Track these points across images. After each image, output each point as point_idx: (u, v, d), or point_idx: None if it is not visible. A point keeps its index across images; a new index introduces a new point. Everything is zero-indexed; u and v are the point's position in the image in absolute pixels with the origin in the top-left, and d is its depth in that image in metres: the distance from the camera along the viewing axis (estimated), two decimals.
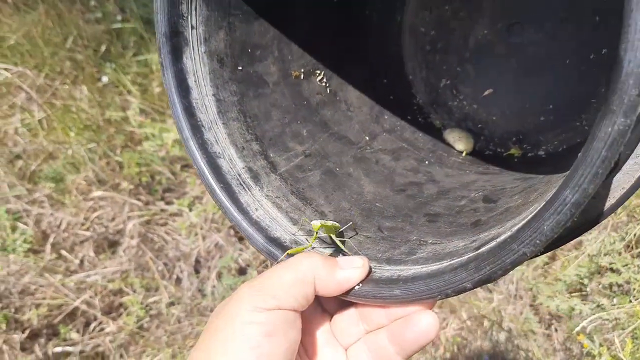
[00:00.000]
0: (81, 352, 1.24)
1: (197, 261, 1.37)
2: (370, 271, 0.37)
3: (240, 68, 0.48)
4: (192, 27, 0.45)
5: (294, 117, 0.52)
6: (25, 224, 1.28)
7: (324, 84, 0.57)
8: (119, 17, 1.73)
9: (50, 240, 1.28)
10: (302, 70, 0.54)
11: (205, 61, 0.46)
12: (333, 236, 0.41)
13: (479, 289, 1.31)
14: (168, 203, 1.44)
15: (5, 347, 1.21)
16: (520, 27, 0.58)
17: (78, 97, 1.54)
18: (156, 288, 1.29)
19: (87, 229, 1.32)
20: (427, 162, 0.57)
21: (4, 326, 1.20)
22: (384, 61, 0.65)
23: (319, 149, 0.52)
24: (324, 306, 0.41)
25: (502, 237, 0.31)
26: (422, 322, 0.34)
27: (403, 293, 0.35)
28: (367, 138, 0.57)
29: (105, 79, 1.61)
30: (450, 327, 1.23)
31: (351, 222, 0.43)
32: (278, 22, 0.51)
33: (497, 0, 0.59)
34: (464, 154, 0.60)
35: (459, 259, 0.33)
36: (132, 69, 1.61)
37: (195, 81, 0.45)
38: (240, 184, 0.45)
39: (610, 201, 0.34)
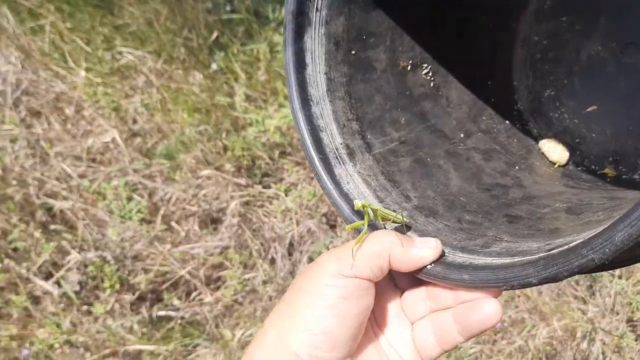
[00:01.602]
0: (181, 317, 1.34)
1: (291, 244, 1.44)
2: (442, 254, 0.40)
3: (353, 52, 0.52)
4: (317, 10, 0.49)
5: (395, 104, 0.55)
6: (141, 195, 1.40)
7: (428, 77, 0.59)
8: (228, 8, 1.82)
9: (161, 212, 1.39)
10: (410, 62, 0.57)
11: (323, 42, 0.49)
12: (379, 219, 0.44)
13: (572, 298, 1.27)
14: (266, 187, 1.52)
15: (117, 306, 1.33)
16: (634, 48, 0.57)
17: (191, 81, 1.65)
18: (252, 265, 1.37)
19: (194, 205, 1.42)
20: (517, 167, 0.58)
21: (117, 286, 1.32)
22: (491, 64, 0.66)
23: (414, 138, 0.54)
24: (397, 282, 0.45)
25: (575, 243, 0.32)
26: (487, 307, 0.37)
27: (471, 278, 0.37)
28: (462, 135, 0.59)
29: (215, 65, 1.71)
30: (539, 335, 1.21)
31: (401, 210, 0.46)
32: (395, 14, 0.54)
33: (615, 18, 0.58)
34: (556, 166, 0.60)
35: (530, 257, 0.35)
36: (240, 57, 1.70)
37: (311, 59, 0.49)
38: (337, 157, 0.48)
39: None
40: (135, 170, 1.43)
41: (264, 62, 1.67)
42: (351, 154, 0.49)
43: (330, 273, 0.39)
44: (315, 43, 0.49)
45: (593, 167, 0.60)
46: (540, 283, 0.33)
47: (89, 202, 1.38)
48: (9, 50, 1.53)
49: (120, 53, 1.66)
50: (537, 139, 0.64)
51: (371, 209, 0.43)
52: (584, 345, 1.18)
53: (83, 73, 1.53)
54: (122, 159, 1.45)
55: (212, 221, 1.44)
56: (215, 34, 1.74)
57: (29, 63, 1.55)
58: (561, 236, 0.38)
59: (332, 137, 0.49)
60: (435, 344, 0.41)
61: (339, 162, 0.48)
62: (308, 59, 0.49)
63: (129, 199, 1.40)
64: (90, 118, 1.52)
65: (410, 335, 0.42)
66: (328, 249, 1.43)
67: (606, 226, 0.30)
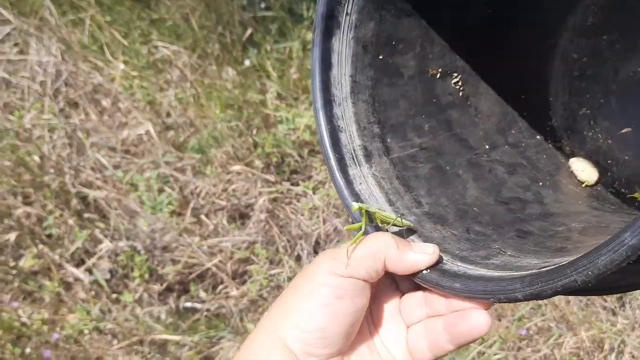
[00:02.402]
0: (207, 310, 1.36)
1: (317, 242, 1.45)
2: (440, 261, 0.41)
3: (380, 57, 0.52)
4: (347, 14, 0.49)
5: (419, 110, 0.55)
6: (172, 188, 1.43)
7: (458, 87, 0.58)
8: (263, 5, 1.83)
9: (191, 205, 1.41)
10: (440, 70, 0.56)
11: (351, 45, 0.50)
12: (378, 222, 0.45)
13: (601, 309, 1.25)
14: (294, 184, 1.53)
15: (145, 296, 1.36)
16: None
17: (224, 77, 1.67)
18: (278, 261, 1.38)
19: (223, 199, 1.44)
20: (540, 184, 0.57)
21: (146, 276, 1.35)
22: (526, 78, 0.64)
23: (436, 145, 0.54)
24: (398, 285, 0.45)
25: (563, 262, 0.32)
26: (475, 318, 0.38)
27: (462, 287, 0.38)
28: (487, 147, 0.58)
29: (248, 62, 1.73)
30: (566, 345, 1.19)
31: (402, 215, 0.46)
32: (427, 22, 0.54)
33: None
34: (583, 185, 0.59)
35: (522, 273, 0.35)
36: (273, 54, 1.71)
37: (337, 60, 0.50)
38: (353, 158, 0.49)
39: None
40: (167, 163, 1.45)
41: (297, 60, 1.68)
42: (368, 156, 0.50)
43: (325, 272, 0.40)
44: (343, 46, 0.50)
45: (622, 190, 0.59)
46: (526, 299, 0.34)
47: (122, 193, 1.41)
48: (50, 42, 1.57)
49: (156, 47, 1.69)
50: (567, 157, 0.63)
51: (370, 211, 0.44)
52: (612, 357, 1.16)
53: (122, 66, 1.57)
54: (155, 151, 1.48)
55: (240, 216, 1.46)
56: (249, 31, 1.75)
57: (69, 55, 1.59)
58: (564, 256, 0.38)
59: (351, 138, 0.50)
60: (426, 349, 0.41)
61: (354, 162, 0.49)
62: (334, 60, 0.50)
63: (161, 191, 1.43)
64: (126, 110, 1.55)
65: (405, 338, 0.43)
66: None
67: (591, 249, 0.30)
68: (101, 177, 1.43)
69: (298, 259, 1.41)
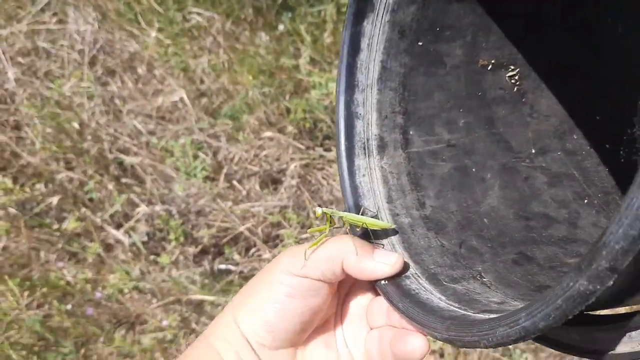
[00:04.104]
0: (240, 272, 1.40)
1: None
2: (404, 270, 0.40)
3: (420, 43, 0.48)
4: None
5: (458, 104, 0.51)
6: (205, 154, 1.45)
7: (513, 81, 0.53)
8: None
9: (224, 171, 1.44)
10: (494, 61, 0.51)
11: (386, 29, 0.47)
12: (347, 225, 0.44)
13: None
14: (326, 150, 1.53)
15: (181, 258, 1.41)
16: None
17: (257, 43, 1.67)
18: (309, 225, 1.40)
19: (255, 165, 1.46)
20: (586, 201, 0.51)
21: (182, 239, 1.39)
22: (607, 77, 0.56)
23: (467, 143, 0.51)
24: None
25: (504, 314, 0.31)
26: (412, 342, 0.38)
27: (403, 309, 0.38)
28: (534, 151, 0.53)
29: (282, 27, 1.72)
30: None
31: (374, 216, 0.44)
32: (485, 10, 0.49)
33: None
34: None
35: (463, 313, 0.35)
36: (307, 18, 1.69)
37: (368, 45, 0.47)
38: (364, 148, 0.47)
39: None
40: (201, 130, 1.48)
41: (331, 24, 1.66)
42: (382, 147, 0.48)
43: (282, 270, 0.41)
44: (376, 29, 0.47)
45: None
46: (443, 341, 0.34)
47: (157, 159, 1.45)
48: (87, 11, 1.60)
49: (190, 13, 1.70)
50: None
51: (337, 216, 0.43)
52: None
53: (154, 33, 1.59)
54: (189, 118, 1.50)
55: (272, 181, 1.47)
56: None
57: (105, 23, 1.63)
58: (535, 297, 0.36)
59: (368, 126, 0.48)
60: (377, 357, 0.41)
61: (364, 153, 0.47)
62: (364, 44, 0.47)
63: (195, 157, 1.46)
64: (161, 77, 1.58)
65: (364, 340, 0.43)
66: None
67: (507, 313, 0.30)
68: (137, 144, 1.47)
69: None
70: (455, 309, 0.36)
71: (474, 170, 0.50)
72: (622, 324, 0.30)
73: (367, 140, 0.48)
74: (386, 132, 0.48)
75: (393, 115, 0.49)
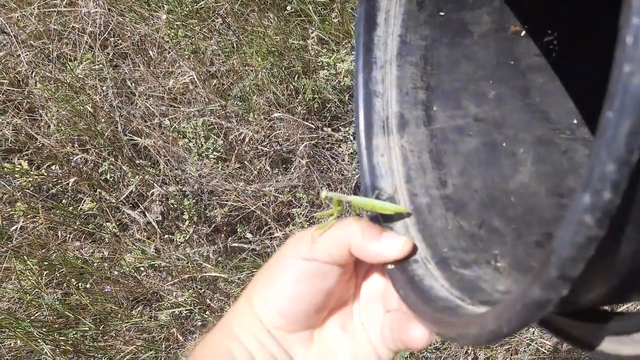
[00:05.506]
0: (252, 250, 1.43)
1: (357, 186, 1.48)
2: (412, 254, 0.39)
3: (442, 13, 0.46)
4: None
5: (488, 74, 0.47)
6: (217, 135, 1.48)
7: (551, 47, 0.49)
8: None
9: (236, 151, 1.46)
10: (527, 26, 0.47)
11: (403, 2, 0.45)
12: (356, 209, 0.42)
13: None
14: (335, 130, 1.55)
15: (195, 236, 1.44)
16: None
17: (265, 24, 1.68)
18: (319, 205, 1.43)
19: (266, 146, 1.48)
20: None
21: (195, 218, 1.43)
22: None
23: (498, 116, 0.47)
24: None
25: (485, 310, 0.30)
26: (414, 330, 0.37)
27: (404, 296, 0.37)
28: (576, 121, 0.49)
29: (289, 7, 1.72)
30: None
31: (387, 200, 0.42)
32: None
33: None
34: None
35: (458, 304, 0.34)
36: None
37: (385, 19, 0.45)
38: (384, 127, 0.45)
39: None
40: (212, 111, 1.50)
41: (338, 4, 1.66)
42: (402, 125, 0.46)
43: (290, 254, 0.41)
44: (392, 2, 0.45)
45: None
46: (432, 332, 0.34)
47: (170, 140, 1.48)
48: None
49: None
50: None
51: (345, 201, 0.42)
52: None
53: (164, 16, 1.60)
54: (200, 99, 1.52)
55: (282, 161, 1.50)
56: None
57: (116, 5, 1.64)
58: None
59: (388, 104, 0.46)
60: (391, 341, 0.41)
61: (383, 131, 0.45)
62: (380, 19, 0.45)
63: (207, 138, 1.48)
64: (172, 59, 1.59)
65: (381, 323, 0.43)
66: None
67: (487, 312, 0.29)
68: (150, 125, 1.50)
69: (338, 203, 1.45)
70: (452, 298, 0.35)
71: (504, 144, 0.47)
72: (630, 323, 0.29)
73: (387, 118, 0.46)
74: (407, 109, 0.46)
75: (414, 91, 0.46)
